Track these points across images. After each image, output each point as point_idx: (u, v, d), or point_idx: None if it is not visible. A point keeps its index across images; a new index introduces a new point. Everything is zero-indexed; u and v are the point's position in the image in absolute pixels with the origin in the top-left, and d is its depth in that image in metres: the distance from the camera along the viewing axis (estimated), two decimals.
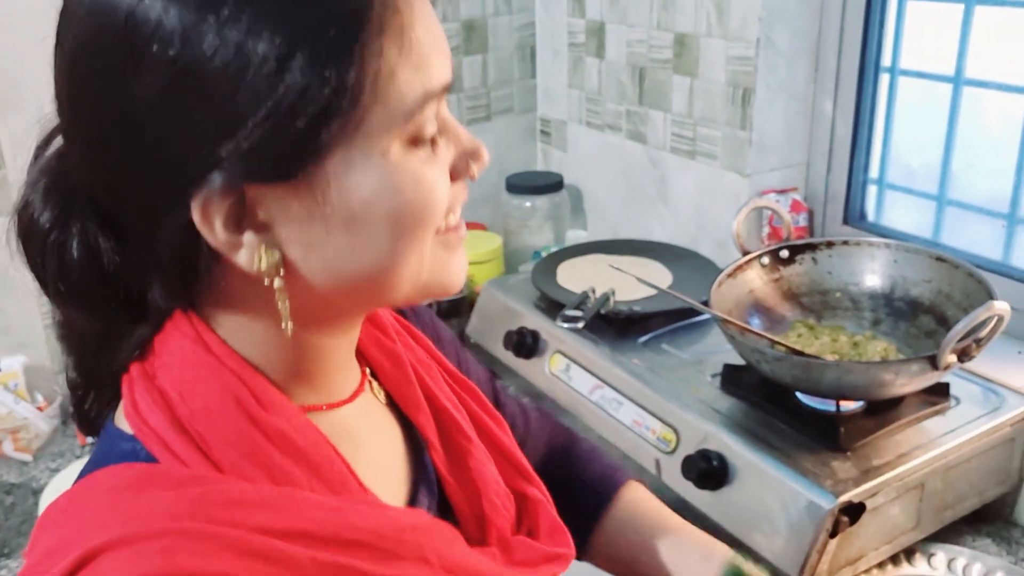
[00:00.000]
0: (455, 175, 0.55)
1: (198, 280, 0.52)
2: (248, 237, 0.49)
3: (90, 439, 1.37)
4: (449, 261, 0.56)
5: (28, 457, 1.34)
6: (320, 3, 0.45)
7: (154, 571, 0.45)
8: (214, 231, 0.48)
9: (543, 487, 0.72)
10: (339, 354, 0.59)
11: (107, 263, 0.52)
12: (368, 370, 0.66)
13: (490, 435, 0.70)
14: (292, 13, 0.45)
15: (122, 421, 0.55)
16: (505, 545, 0.64)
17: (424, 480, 0.65)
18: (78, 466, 1.24)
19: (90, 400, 0.60)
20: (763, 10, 1.36)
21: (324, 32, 0.45)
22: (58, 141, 0.55)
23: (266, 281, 0.50)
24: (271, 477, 0.51)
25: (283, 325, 0.52)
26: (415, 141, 0.50)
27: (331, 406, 0.60)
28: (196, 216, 0.48)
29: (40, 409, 1.37)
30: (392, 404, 0.67)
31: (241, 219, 0.49)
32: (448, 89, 0.52)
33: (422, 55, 0.49)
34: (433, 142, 0.52)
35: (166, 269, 0.51)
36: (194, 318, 0.55)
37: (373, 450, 0.62)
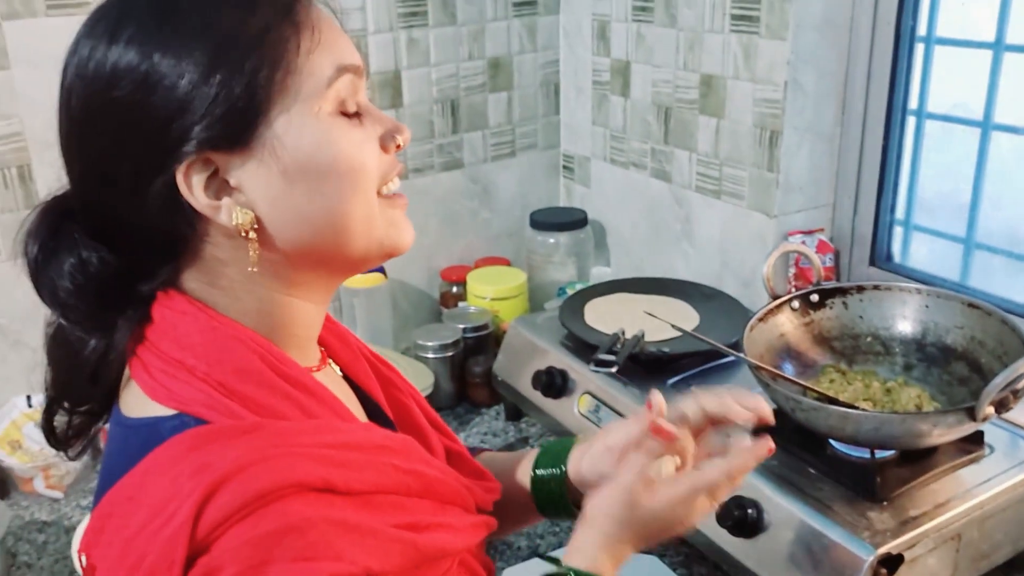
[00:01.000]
0: (384, 147, 0.66)
1: (188, 250, 0.63)
2: (225, 201, 0.61)
3: None
4: (398, 219, 0.68)
5: (59, 494, 1.34)
6: (229, 24, 0.59)
7: (269, 485, 0.55)
8: (195, 197, 0.60)
9: (459, 441, 0.85)
10: (314, 322, 0.71)
11: (98, 266, 0.62)
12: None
13: (416, 399, 0.84)
14: (210, 37, 0.59)
15: (145, 410, 0.62)
16: None
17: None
18: None
19: (68, 415, 0.68)
20: (791, 54, 1.37)
21: (234, 43, 0.59)
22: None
23: (242, 234, 0.61)
24: (305, 414, 0.63)
25: (249, 269, 0.62)
26: (340, 110, 0.63)
27: (310, 370, 0.70)
28: (180, 184, 0.59)
29: None
30: (344, 378, 0.78)
31: (217, 187, 0.60)
32: (360, 73, 0.64)
33: (329, 42, 0.63)
34: (359, 118, 0.64)
35: (159, 243, 0.62)
36: (185, 298, 0.64)
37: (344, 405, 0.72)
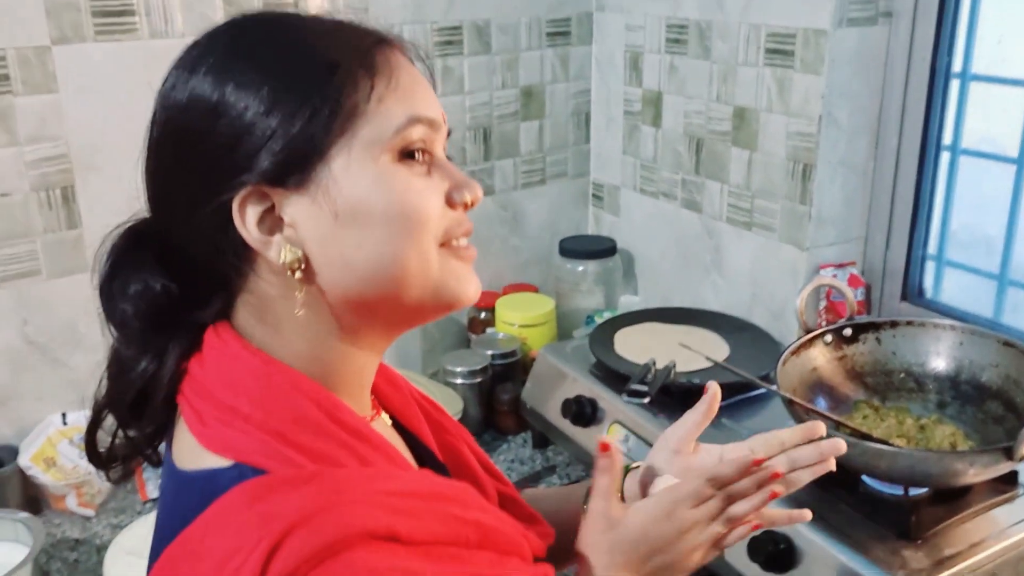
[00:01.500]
0: (451, 203, 0.64)
1: (239, 283, 0.64)
2: (276, 237, 0.61)
3: (152, 495, 1.39)
4: (461, 271, 0.66)
5: (91, 512, 1.36)
6: (299, 61, 0.61)
7: (337, 535, 0.54)
8: (247, 229, 0.60)
9: (510, 484, 0.83)
10: (367, 371, 0.69)
11: (160, 293, 0.64)
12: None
13: (468, 443, 0.81)
14: (278, 73, 0.60)
15: (200, 461, 0.61)
16: None
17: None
18: (140, 523, 1.25)
19: (112, 436, 0.68)
20: (826, 88, 1.38)
21: (300, 80, 0.60)
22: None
23: (288, 272, 0.60)
24: (362, 462, 0.61)
25: (296, 311, 0.62)
26: (405, 157, 0.62)
27: (366, 419, 0.69)
28: (235, 214, 0.59)
29: None
30: (395, 425, 0.77)
31: (271, 223, 0.61)
32: (436, 126, 0.64)
33: (406, 91, 0.62)
34: (427, 170, 0.63)
35: (212, 272, 0.63)
36: (236, 337, 0.64)
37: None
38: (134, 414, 0.67)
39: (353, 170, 0.60)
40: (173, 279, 0.64)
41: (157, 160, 0.63)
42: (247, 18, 0.64)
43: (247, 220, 0.60)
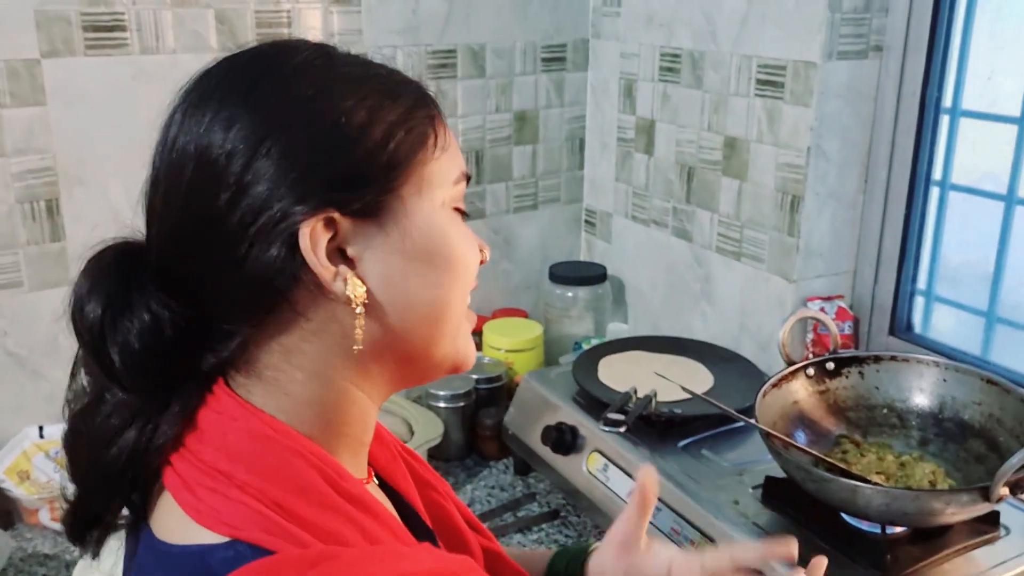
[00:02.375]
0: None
1: (270, 318, 0.57)
2: (343, 268, 0.57)
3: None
4: (470, 337, 0.66)
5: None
6: (397, 98, 0.60)
7: None
8: (317, 256, 0.56)
9: (495, 539, 0.80)
10: (370, 424, 0.65)
11: (171, 322, 0.56)
12: None
13: (451, 498, 0.78)
14: (377, 99, 0.59)
15: (187, 535, 0.55)
16: None
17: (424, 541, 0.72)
18: (111, 539, 1.24)
19: (93, 510, 0.60)
20: (815, 120, 1.38)
21: (387, 111, 0.59)
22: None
23: (355, 308, 0.57)
24: (366, 538, 0.56)
25: (355, 347, 0.58)
26: (455, 209, 0.63)
27: (364, 481, 0.66)
28: (303, 238, 0.55)
29: None
30: (381, 484, 0.72)
31: (334, 254, 0.57)
32: (468, 179, 0.65)
33: (453, 146, 0.63)
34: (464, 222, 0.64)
35: (245, 302, 0.57)
36: (234, 399, 0.58)
37: None
38: (120, 490, 0.59)
39: (425, 210, 0.59)
40: (183, 306, 0.57)
41: (195, 177, 0.57)
42: (300, 43, 0.62)
43: (317, 246, 0.55)
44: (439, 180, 0.60)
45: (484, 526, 0.82)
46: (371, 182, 0.57)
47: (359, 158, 0.57)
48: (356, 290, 0.57)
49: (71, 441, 0.61)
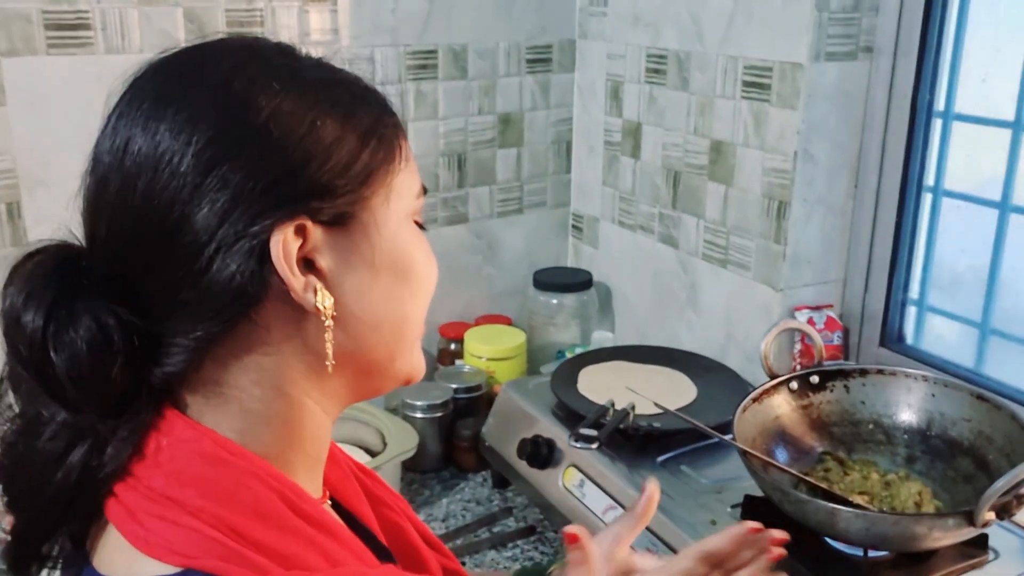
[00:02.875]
0: None
1: (229, 331, 0.54)
2: (312, 279, 0.54)
3: None
4: (420, 353, 0.65)
5: None
6: (369, 109, 0.59)
7: None
8: (290, 264, 0.53)
9: (454, 557, 0.77)
10: (326, 439, 0.63)
11: (119, 330, 0.52)
12: None
13: (408, 516, 0.75)
14: (348, 108, 0.57)
15: (134, 568, 0.51)
16: None
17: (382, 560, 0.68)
18: None
19: (37, 541, 0.56)
20: (802, 124, 1.33)
21: (373, 123, 0.58)
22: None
23: (324, 320, 0.55)
24: (328, 560, 0.54)
25: (327, 362, 0.56)
26: (416, 224, 0.62)
27: (321, 501, 0.64)
28: (275, 245, 0.52)
29: None
30: (334, 505, 0.69)
31: (304, 264, 0.54)
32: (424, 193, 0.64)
33: (414, 161, 0.62)
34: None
35: (203, 311, 0.52)
36: (185, 421, 0.54)
37: None
38: (63, 521, 0.55)
39: (391, 220, 0.58)
40: (132, 312, 0.52)
41: (170, 177, 0.52)
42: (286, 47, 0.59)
43: (288, 255, 0.53)
44: (404, 191, 0.59)
45: (443, 545, 0.78)
46: (343, 191, 0.55)
47: (333, 165, 0.54)
48: (325, 301, 0.54)
49: (7, 468, 0.56)
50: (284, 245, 0.52)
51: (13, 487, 0.56)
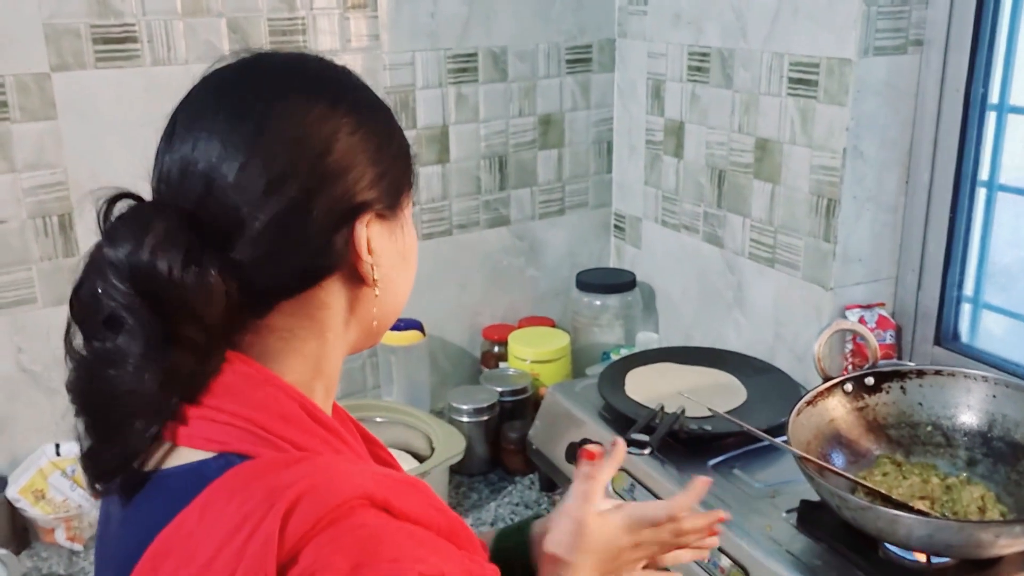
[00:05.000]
0: None
1: (308, 288, 0.65)
2: (370, 258, 0.66)
3: None
4: None
5: (79, 547, 1.32)
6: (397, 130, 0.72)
7: (345, 497, 0.57)
8: (364, 247, 0.65)
9: None
10: (338, 375, 0.73)
11: (233, 288, 0.61)
12: None
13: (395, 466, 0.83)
14: (393, 131, 0.71)
15: (176, 459, 0.61)
16: None
17: None
18: None
19: (114, 458, 0.62)
20: (851, 120, 1.30)
21: (404, 141, 0.72)
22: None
23: (375, 291, 0.68)
24: (336, 452, 0.65)
25: (373, 323, 0.71)
26: None
27: None
28: (360, 229, 0.65)
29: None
30: None
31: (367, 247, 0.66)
32: None
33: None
34: None
35: (298, 278, 0.64)
36: (245, 358, 0.64)
37: None
38: (136, 441, 0.61)
39: (408, 216, 0.72)
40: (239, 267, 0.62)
41: (277, 163, 0.62)
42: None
43: (363, 242, 0.65)
44: (410, 194, 0.72)
45: None
46: (402, 191, 0.69)
47: (394, 179, 0.68)
48: (376, 274, 0.67)
49: (88, 393, 0.62)
50: (363, 234, 0.65)
51: (96, 413, 0.62)
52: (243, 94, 0.64)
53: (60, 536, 1.32)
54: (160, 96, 1.35)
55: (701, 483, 0.85)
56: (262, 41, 1.42)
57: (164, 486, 0.61)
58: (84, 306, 0.61)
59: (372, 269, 0.67)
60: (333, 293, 0.67)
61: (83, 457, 0.63)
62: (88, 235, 1.35)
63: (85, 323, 0.62)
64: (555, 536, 0.83)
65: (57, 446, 1.37)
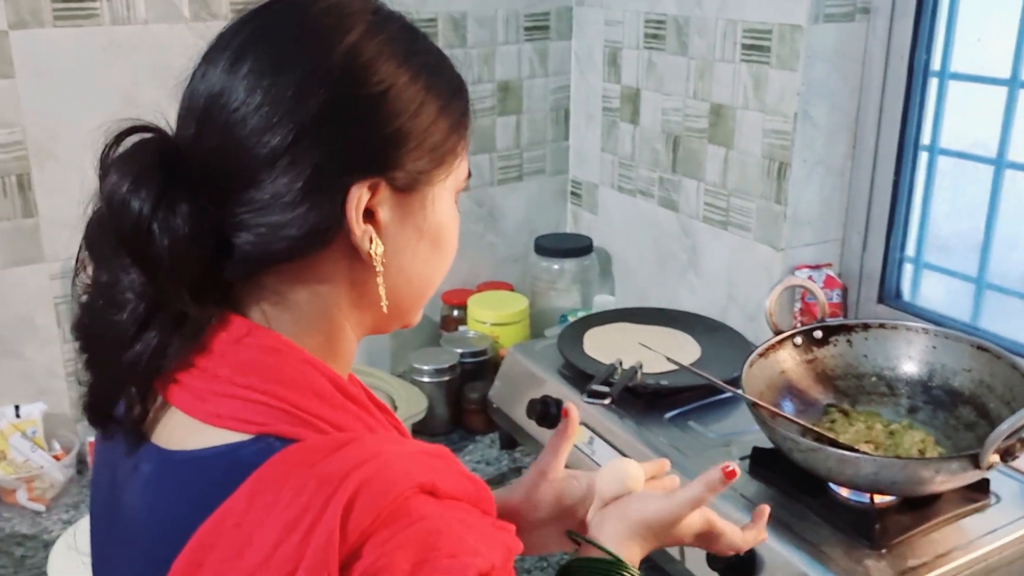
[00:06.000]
0: None
1: (308, 252, 0.61)
2: (369, 228, 0.61)
3: None
4: None
5: (42, 507, 1.32)
6: (457, 91, 0.66)
7: (401, 489, 0.56)
8: (357, 216, 0.60)
9: None
10: (352, 357, 0.70)
11: (208, 233, 0.58)
12: None
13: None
14: (445, 93, 0.64)
15: (203, 439, 0.58)
16: None
17: None
18: None
19: (111, 397, 0.63)
20: (802, 85, 1.35)
21: (457, 110, 0.65)
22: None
23: (376, 266, 0.62)
24: (369, 429, 0.63)
25: (382, 304, 0.64)
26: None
27: None
28: (352, 195, 0.59)
29: (57, 458, 1.36)
30: None
31: (368, 214, 0.61)
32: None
33: (468, 156, 0.69)
34: None
35: (292, 240, 0.59)
36: (243, 322, 0.61)
37: None
38: (133, 383, 0.62)
39: (445, 196, 0.66)
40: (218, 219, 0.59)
41: (290, 110, 0.58)
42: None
43: (359, 207, 0.60)
44: (459, 174, 0.67)
45: None
46: (420, 167, 0.62)
47: (421, 146, 0.62)
48: (377, 249, 0.62)
49: (87, 331, 0.62)
50: (358, 199, 0.60)
51: (91, 350, 0.63)
52: (252, 27, 0.61)
53: (22, 497, 1.32)
54: (119, 55, 1.35)
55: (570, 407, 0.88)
56: (222, 2, 1.41)
57: (197, 470, 0.58)
58: (87, 235, 0.61)
59: (372, 243, 0.61)
60: (333, 266, 0.62)
61: (81, 397, 0.64)
62: (47, 195, 1.35)
63: (90, 251, 0.62)
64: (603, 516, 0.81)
65: (17, 408, 1.36)
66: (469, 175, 0.69)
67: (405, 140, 0.61)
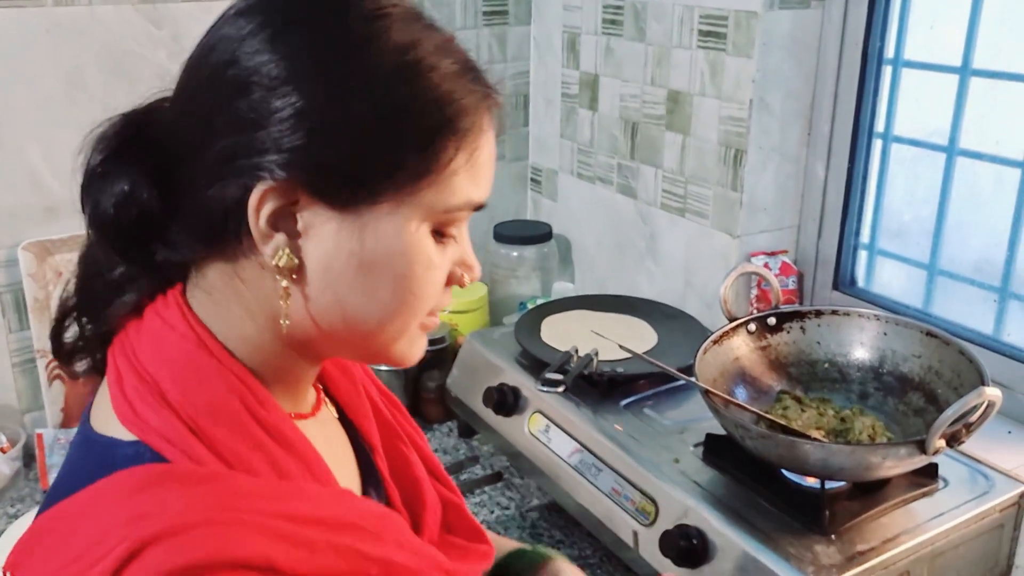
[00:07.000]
0: (449, 279, 0.63)
1: (221, 249, 0.59)
2: (279, 237, 0.56)
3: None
4: (418, 338, 0.65)
5: None
6: (424, 98, 0.57)
7: (203, 558, 0.50)
8: (260, 215, 0.56)
9: (459, 492, 0.81)
10: (308, 375, 0.67)
11: (143, 203, 0.58)
12: (322, 386, 0.73)
13: (415, 444, 0.79)
14: (403, 96, 0.56)
15: (109, 427, 0.58)
16: (439, 542, 0.75)
17: (372, 483, 0.73)
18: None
19: (75, 330, 0.65)
20: (757, 72, 1.35)
21: (418, 118, 0.57)
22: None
23: (277, 278, 0.57)
24: (275, 471, 0.57)
25: (281, 321, 0.59)
26: (438, 232, 0.60)
27: (299, 416, 0.67)
28: (253, 195, 0.55)
29: (3, 451, 1.33)
30: (341, 418, 0.74)
31: (281, 219, 0.56)
32: (481, 208, 0.62)
33: (478, 172, 0.60)
34: (445, 242, 0.61)
35: (205, 227, 0.58)
36: (181, 310, 0.60)
37: (330, 458, 0.65)
38: (100, 313, 0.64)
39: (394, 222, 0.57)
40: (160, 198, 0.59)
41: (215, 94, 0.57)
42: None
43: (263, 208, 0.55)
44: (428, 203, 0.57)
45: (450, 479, 0.81)
46: (361, 186, 0.56)
47: (364, 166, 0.56)
48: (282, 260, 0.57)
49: (81, 265, 0.65)
50: (262, 197, 0.55)
51: (79, 283, 0.65)
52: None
53: None
54: (63, 39, 1.31)
55: None
56: None
57: (87, 448, 0.59)
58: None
59: (277, 254, 0.56)
60: (249, 269, 0.59)
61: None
62: None
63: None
64: None
65: None
66: (479, 207, 0.61)
67: (350, 161, 0.56)
